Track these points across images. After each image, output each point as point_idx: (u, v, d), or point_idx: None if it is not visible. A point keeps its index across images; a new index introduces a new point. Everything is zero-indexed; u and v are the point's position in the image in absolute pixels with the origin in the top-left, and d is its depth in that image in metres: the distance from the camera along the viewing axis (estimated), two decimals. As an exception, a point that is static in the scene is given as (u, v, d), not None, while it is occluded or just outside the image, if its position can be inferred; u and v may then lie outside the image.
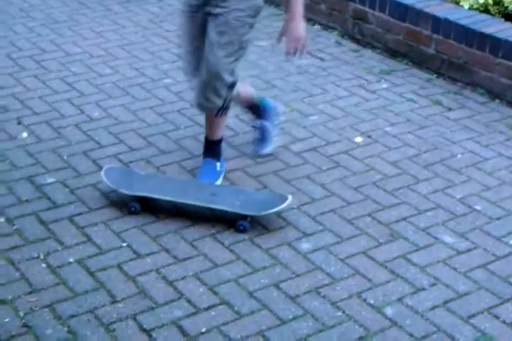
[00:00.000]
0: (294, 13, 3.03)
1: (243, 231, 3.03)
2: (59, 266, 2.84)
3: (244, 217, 3.05)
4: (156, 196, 3.12)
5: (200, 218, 3.12)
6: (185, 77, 3.33)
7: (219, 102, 3.14)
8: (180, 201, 3.12)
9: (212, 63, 3.03)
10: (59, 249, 2.93)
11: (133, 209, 3.13)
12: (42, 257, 2.88)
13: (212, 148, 3.37)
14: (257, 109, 3.52)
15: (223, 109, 3.20)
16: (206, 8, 3.02)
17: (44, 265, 2.84)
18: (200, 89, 3.12)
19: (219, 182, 3.32)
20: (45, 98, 4.09)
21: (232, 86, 3.12)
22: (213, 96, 3.11)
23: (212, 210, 3.10)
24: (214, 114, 3.23)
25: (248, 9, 3.01)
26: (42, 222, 3.08)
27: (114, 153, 3.57)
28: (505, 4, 4.36)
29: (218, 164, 3.35)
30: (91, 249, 2.94)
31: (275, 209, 3.05)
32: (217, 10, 2.99)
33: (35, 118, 3.88)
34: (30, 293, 2.71)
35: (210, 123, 3.34)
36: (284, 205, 3.06)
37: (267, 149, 3.55)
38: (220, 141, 3.38)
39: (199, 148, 3.60)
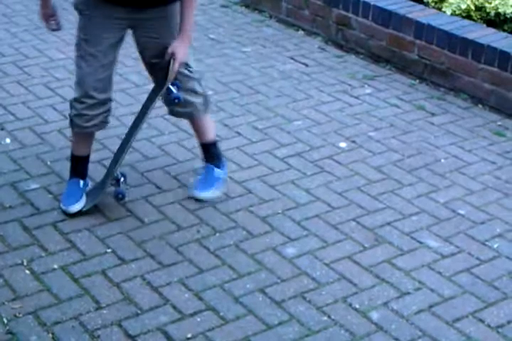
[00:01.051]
0: (184, 34, 2.91)
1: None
2: (43, 273, 2.82)
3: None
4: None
5: (184, 223, 3.11)
6: (98, 96, 2.98)
7: (199, 100, 3.12)
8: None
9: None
10: (43, 255, 2.91)
11: (120, 195, 3.11)
12: (25, 263, 2.86)
13: (210, 152, 3.28)
14: (209, 151, 3.30)
15: (206, 105, 3.17)
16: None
17: (28, 271, 2.82)
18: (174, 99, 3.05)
19: (217, 190, 3.24)
20: (28, 104, 4.07)
21: (199, 78, 3.11)
22: (193, 97, 3.09)
23: None
24: (197, 113, 3.18)
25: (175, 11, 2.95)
26: (25, 229, 3.06)
27: (98, 159, 3.55)
28: (487, 10, 4.39)
29: (217, 170, 3.26)
30: (75, 255, 2.92)
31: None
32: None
33: (18, 124, 3.86)
34: (14, 299, 2.69)
35: (199, 126, 3.26)
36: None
37: (206, 194, 3.25)
38: (215, 143, 3.30)
39: (183, 153, 3.61)
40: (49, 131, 3.81)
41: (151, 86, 4.24)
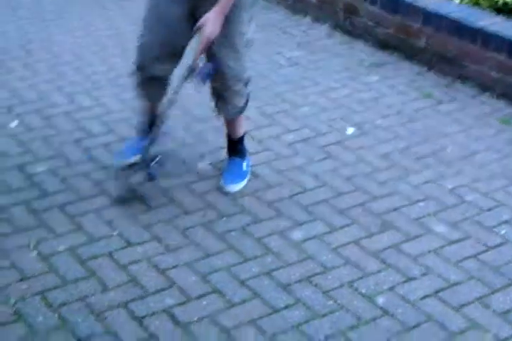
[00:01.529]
0: (219, 6, 2.77)
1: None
2: (50, 255, 2.82)
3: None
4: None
5: (191, 207, 3.11)
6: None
7: (242, 102, 3.13)
8: None
9: (231, 67, 2.97)
10: (50, 237, 2.92)
11: (150, 176, 3.11)
12: (32, 245, 2.87)
13: (237, 147, 3.30)
14: (236, 147, 3.31)
15: (245, 107, 3.18)
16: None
17: (35, 253, 2.83)
18: (219, 96, 3.04)
19: (245, 182, 3.24)
20: (34, 86, 4.06)
21: (248, 82, 3.10)
22: (237, 99, 3.09)
23: None
24: (238, 115, 3.19)
25: (239, 3, 2.87)
26: (32, 211, 3.06)
27: (105, 142, 3.56)
28: (496, -2, 4.38)
29: (245, 164, 3.28)
30: (82, 237, 2.92)
31: None
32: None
33: (25, 107, 3.86)
34: (21, 280, 2.69)
35: (232, 124, 3.26)
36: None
37: (236, 187, 3.23)
38: (243, 138, 3.32)
39: (189, 136, 3.60)
40: (56, 114, 3.80)
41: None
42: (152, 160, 3.09)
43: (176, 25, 2.90)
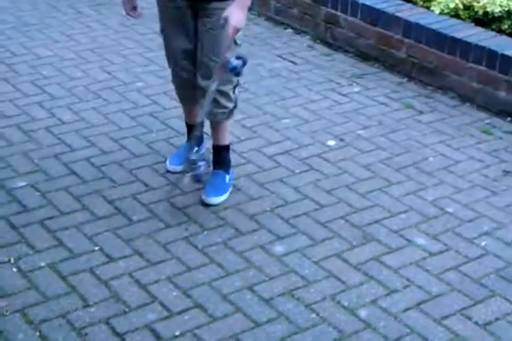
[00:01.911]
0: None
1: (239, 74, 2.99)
2: (30, 271, 2.81)
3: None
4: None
5: (173, 221, 3.10)
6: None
7: (231, 105, 3.14)
8: None
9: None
10: (30, 253, 2.90)
11: (197, 178, 3.25)
12: (13, 261, 2.85)
13: (222, 156, 3.29)
14: (221, 155, 3.31)
15: (234, 112, 3.18)
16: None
17: (15, 269, 2.81)
18: (207, 98, 3.00)
19: (227, 195, 3.22)
20: (15, 101, 4.05)
21: (237, 85, 3.11)
22: (225, 101, 3.10)
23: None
24: (224, 118, 3.18)
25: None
26: (12, 226, 3.04)
27: (86, 156, 3.55)
28: (476, 9, 4.40)
29: (228, 177, 3.27)
30: (63, 253, 2.91)
31: None
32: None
33: (6, 122, 3.84)
34: (1, 297, 2.67)
35: (218, 128, 3.24)
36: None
37: (218, 200, 3.22)
38: (229, 146, 3.32)
39: (172, 151, 3.59)
40: (36, 128, 3.79)
41: (140, 84, 4.25)
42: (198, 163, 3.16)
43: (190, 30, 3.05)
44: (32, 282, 2.75)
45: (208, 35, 2.98)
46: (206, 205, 3.19)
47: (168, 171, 3.40)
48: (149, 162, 3.51)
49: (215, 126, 3.25)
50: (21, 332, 2.53)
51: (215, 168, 3.30)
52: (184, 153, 3.27)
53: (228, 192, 3.26)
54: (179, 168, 3.29)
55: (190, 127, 3.38)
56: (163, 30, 3.16)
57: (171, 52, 3.17)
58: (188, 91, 3.20)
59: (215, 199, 3.21)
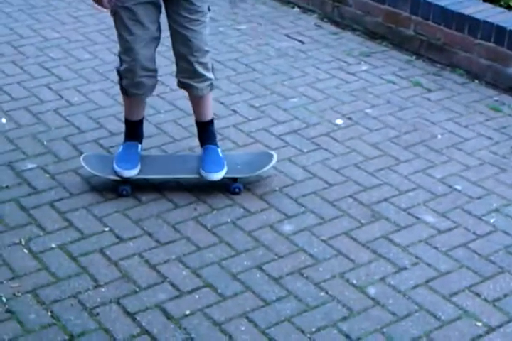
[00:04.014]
0: None
1: (238, 193, 3.12)
2: (41, 252, 2.83)
3: (235, 179, 3.13)
4: (147, 176, 3.12)
5: (182, 201, 3.11)
6: (142, 73, 3.00)
7: (210, 75, 3.09)
8: (172, 177, 3.13)
9: (198, 40, 2.97)
10: (40, 234, 2.92)
11: (124, 192, 3.12)
12: (23, 243, 2.87)
13: (208, 131, 3.22)
14: (208, 130, 3.23)
15: (213, 83, 3.13)
16: None
17: (26, 251, 2.83)
18: (188, 71, 3.02)
19: (225, 168, 3.14)
20: (23, 83, 4.06)
21: (208, 52, 3.07)
22: (205, 71, 3.05)
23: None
24: (208, 90, 3.12)
25: None
26: (23, 208, 3.06)
27: (95, 138, 3.56)
28: (484, -15, 4.37)
29: (219, 150, 3.22)
30: (73, 234, 2.93)
31: (265, 169, 3.16)
32: None
33: (14, 104, 3.85)
34: (13, 278, 2.70)
35: (201, 103, 3.17)
36: (272, 163, 3.17)
37: (220, 175, 3.14)
38: (213, 121, 3.25)
39: (180, 132, 3.60)
40: (45, 110, 3.80)
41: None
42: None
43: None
44: (43, 263, 2.77)
45: None
46: (210, 182, 3.17)
47: (126, 179, 3.13)
48: (158, 143, 3.52)
49: (200, 102, 3.17)
50: (33, 312, 2.55)
51: (205, 143, 3.22)
52: (135, 154, 3.16)
53: (226, 165, 3.17)
54: (136, 171, 3.13)
55: (135, 124, 3.23)
56: None
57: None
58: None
59: (218, 175, 3.12)
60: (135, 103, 3.18)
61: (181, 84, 3.13)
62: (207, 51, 3.04)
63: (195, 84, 3.07)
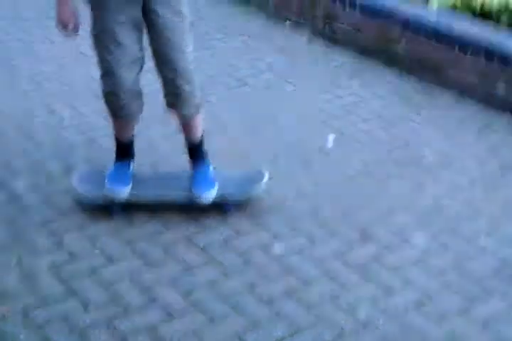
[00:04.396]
0: None
1: (229, 212, 3.15)
2: (31, 273, 2.82)
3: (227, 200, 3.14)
4: (139, 195, 3.12)
5: (173, 221, 3.12)
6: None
7: (198, 96, 3.01)
8: (163, 196, 3.13)
9: (183, 61, 2.90)
10: (31, 255, 2.91)
11: (115, 212, 3.12)
12: (14, 264, 2.86)
13: (198, 151, 3.19)
14: (199, 150, 3.20)
15: (202, 102, 3.08)
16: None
17: (16, 271, 2.82)
18: (174, 94, 2.95)
19: (216, 187, 3.11)
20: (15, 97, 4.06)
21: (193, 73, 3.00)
22: (192, 93, 2.97)
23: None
24: (197, 112, 3.07)
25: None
26: (13, 228, 3.06)
27: (87, 156, 3.55)
28: (473, 3, 4.39)
29: (210, 167, 3.20)
30: (63, 254, 2.92)
31: (257, 188, 3.17)
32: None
33: (5, 120, 3.84)
34: (2, 299, 2.69)
35: (190, 124, 3.13)
36: (263, 182, 3.17)
37: (211, 194, 3.12)
38: (203, 140, 3.20)
39: (171, 147, 3.58)
40: (36, 125, 3.80)
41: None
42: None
43: None
44: (33, 284, 2.76)
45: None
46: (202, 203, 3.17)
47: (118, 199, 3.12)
48: (149, 160, 3.51)
49: (189, 124, 3.12)
50: (22, 334, 2.54)
51: (195, 163, 3.18)
52: (127, 173, 3.16)
53: (216, 185, 3.13)
54: (128, 190, 3.11)
55: (126, 143, 3.20)
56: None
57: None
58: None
59: (208, 195, 3.09)
60: (124, 124, 3.15)
61: (169, 105, 3.05)
62: (191, 71, 2.95)
63: (183, 107, 3.01)
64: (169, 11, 2.84)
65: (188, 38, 2.91)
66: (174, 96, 2.98)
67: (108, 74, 2.90)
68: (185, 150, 3.24)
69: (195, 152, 3.21)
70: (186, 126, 3.15)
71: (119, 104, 2.97)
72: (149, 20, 2.87)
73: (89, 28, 2.89)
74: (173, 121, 3.76)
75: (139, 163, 3.43)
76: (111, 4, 2.80)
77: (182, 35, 2.88)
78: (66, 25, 2.85)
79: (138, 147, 3.39)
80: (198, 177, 3.16)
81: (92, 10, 2.87)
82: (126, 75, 2.89)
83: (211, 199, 3.11)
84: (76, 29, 2.87)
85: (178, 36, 2.87)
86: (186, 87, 2.94)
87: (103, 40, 2.86)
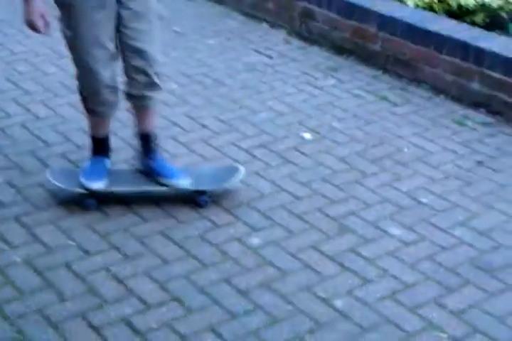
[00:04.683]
0: None
1: (205, 205, 3.13)
2: (6, 266, 2.80)
3: (202, 192, 3.13)
4: (114, 189, 3.11)
5: (149, 214, 3.11)
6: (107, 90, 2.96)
7: (159, 81, 3.03)
8: (138, 190, 3.11)
9: (153, 49, 2.94)
10: (6, 248, 2.90)
11: (90, 205, 3.10)
12: (-12, 257, 2.85)
13: (153, 142, 3.17)
14: (152, 141, 3.17)
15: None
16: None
17: (-10, 265, 2.81)
18: (145, 83, 2.97)
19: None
20: (-9, 98, 4.04)
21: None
22: (157, 78, 3.00)
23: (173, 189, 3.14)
24: (155, 102, 3.10)
25: None
26: (-12, 222, 3.04)
27: (62, 151, 3.54)
28: (449, 2, 4.44)
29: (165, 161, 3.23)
30: (39, 248, 2.91)
31: (233, 181, 3.18)
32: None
33: (-20, 118, 3.83)
34: (-23, 293, 2.67)
35: (150, 113, 3.13)
36: (239, 176, 3.18)
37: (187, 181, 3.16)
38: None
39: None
40: (11, 124, 3.78)
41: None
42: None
43: None
44: (8, 277, 2.75)
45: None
46: (184, 198, 3.18)
47: (92, 191, 3.11)
48: (126, 156, 3.50)
49: (149, 112, 3.13)
50: (-2, 327, 2.53)
51: (153, 155, 3.16)
52: (103, 169, 3.15)
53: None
54: (103, 184, 3.10)
55: (102, 140, 3.20)
56: None
57: None
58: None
59: (187, 180, 3.13)
60: (100, 120, 3.15)
61: (134, 97, 3.05)
62: (158, 60, 2.98)
63: (151, 95, 3.03)
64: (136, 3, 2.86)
65: (155, 27, 2.93)
66: (142, 85, 2.98)
67: (86, 72, 2.92)
68: (140, 142, 3.20)
69: (150, 146, 3.17)
70: (146, 115, 3.13)
71: (98, 101, 3.00)
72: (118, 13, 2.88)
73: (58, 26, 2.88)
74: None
75: (115, 160, 3.44)
76: (89, 4, 2.79)
77: (148, 24, 2.90)
78: (35, 25, 2.83)
79: (114, 145, 3.40)
80: (166, 169, 3.16)
81: (63, 10, 2.87)
82: (104, 72, 2.91)
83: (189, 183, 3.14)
84: (46, 28, 2.84)
85: (145, 26, 2.89)
86: (155, 75, 2.97)
87: (80, 41, 2.85)
